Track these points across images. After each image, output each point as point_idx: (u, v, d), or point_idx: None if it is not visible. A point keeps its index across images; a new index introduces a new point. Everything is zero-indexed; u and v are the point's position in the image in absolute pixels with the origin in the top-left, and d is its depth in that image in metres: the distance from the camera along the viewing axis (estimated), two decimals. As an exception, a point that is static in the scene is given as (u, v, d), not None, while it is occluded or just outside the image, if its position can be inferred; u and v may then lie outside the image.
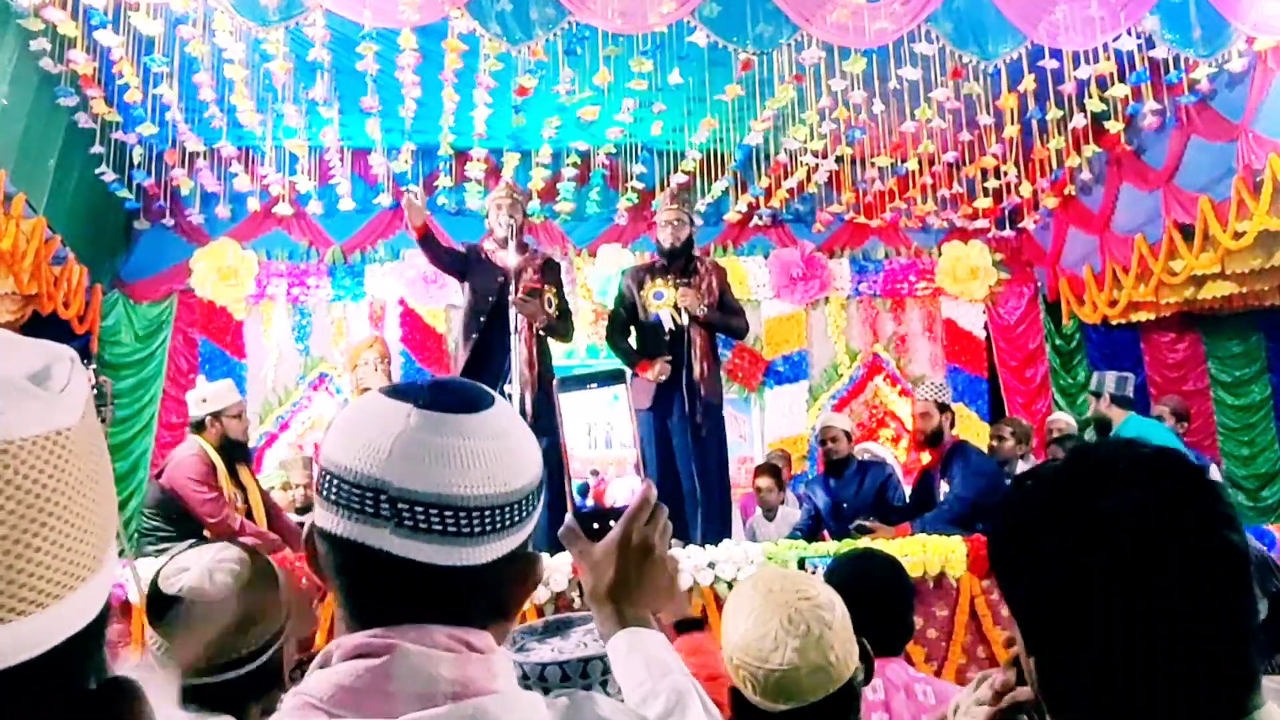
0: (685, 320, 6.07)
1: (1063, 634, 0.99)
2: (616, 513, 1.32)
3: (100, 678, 0.77)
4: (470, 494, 0.98)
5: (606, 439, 1.31)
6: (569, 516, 1.34)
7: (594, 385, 1.36)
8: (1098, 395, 6.70)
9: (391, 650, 0.96)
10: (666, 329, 6.08)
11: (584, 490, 1.33)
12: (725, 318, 6.27)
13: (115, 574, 0.81)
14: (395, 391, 1.04)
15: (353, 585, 1.02)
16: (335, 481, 0.99)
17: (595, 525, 1.33)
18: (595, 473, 1.34)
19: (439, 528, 0.97)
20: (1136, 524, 0.95)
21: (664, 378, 6.00)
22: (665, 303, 6.13)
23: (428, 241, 5.89)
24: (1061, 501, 1.01)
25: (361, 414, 1.03)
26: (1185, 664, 0.93)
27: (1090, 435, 7.83)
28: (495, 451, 1.01)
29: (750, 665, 1.82)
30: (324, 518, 1.01)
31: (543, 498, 1.09)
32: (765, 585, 1.92)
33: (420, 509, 0.96)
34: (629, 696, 1.27)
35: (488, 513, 0.99)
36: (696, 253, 6.43)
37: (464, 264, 6.00)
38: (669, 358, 6.05)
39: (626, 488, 1.32)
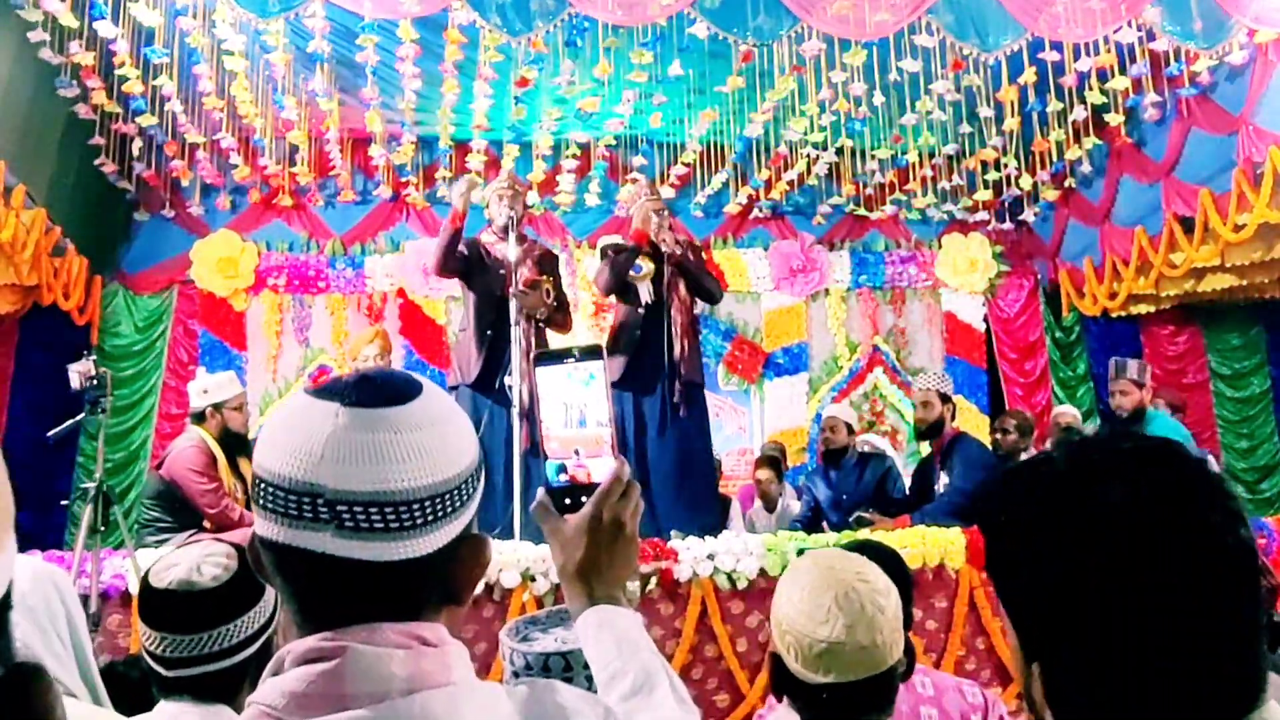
0: (665, 290, 6.11)
1: (1066, 634, 0.96)
2: (589, 489, 1.31)
3: (6, 664, 0.77)
4: (407, 487, 0.97)
5: (580, 418, 1.30)
6: (540, 491, 1.34)
7: (571, 359, 1.35)
8: (1141, 385, 6.61)
9: (343, 653, 0.95)
10: (644, 300, 6.10)
11: (562, 469, 1.33)
12: (701, 273, 6.30)
13: (12, 563, 0.81)
14: (322, 391, 1.02)
15: (299, 590, 1.01)
16: (270, 489, 0.98)
17: (567, 501, 1.32)
18: (578, 452, 1.33)
19: (380, 525, 0.96)
20: (1141, 518, 0.93)
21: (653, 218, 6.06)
22: (643, 275, 6.15)
23: (456, 237, 5.83)
24: (1062, 495, 0.98)
25: (290, 417, 1.01)
26: (1194, 661, 0.92)
27: (1094, 426, 7.82)
28: (428, 441, 1.00)
29: (798, 633, 1.84)
30: (263, 525, 1.00)
31: (482, 479, 1.09)
32: (826, 561, 1.94)
33: (359, 508, 0.96)
34: (597, 675, 1.27)
35: (427, 503, 0.99)
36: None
37: (467, 264, 5.99)
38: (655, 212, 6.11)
39: (603, 467, 1.32)
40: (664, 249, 6.09)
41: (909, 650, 1.94)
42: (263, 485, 0.99)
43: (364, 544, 0.96)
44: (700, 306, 6.62)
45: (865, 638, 1.82)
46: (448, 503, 1.01)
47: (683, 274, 6.19)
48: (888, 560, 2.86)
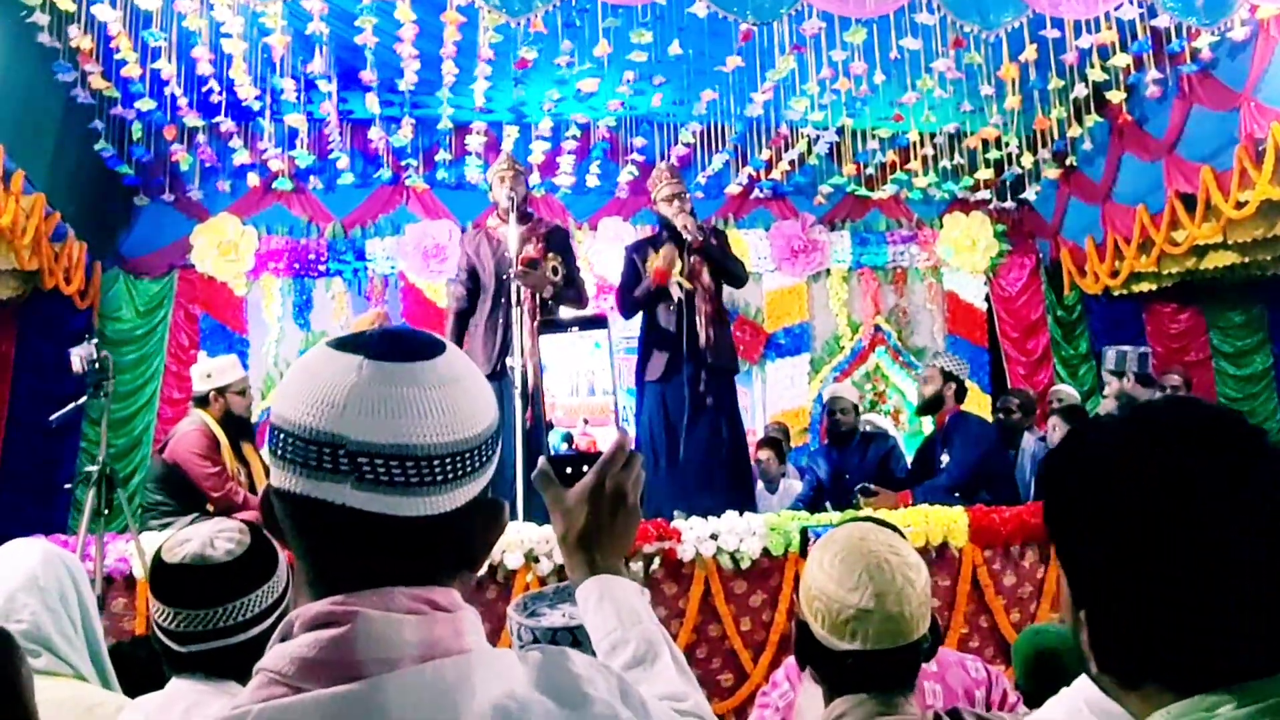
0: (691, 285, 6.07)
1: (1113, 584, 1.01)
2: (591, 458, 1.31)
3: None
4: (430, 442, 0.97)
5: (590, 387, 1.30)
6: (542, 460, 1.33)
7: (575, 329, 1.35)
8: (1119, 374, 6.66)
9: (353, 618, 0.94)
10: (675, 298, 6.08)
11: (569, 438, 1.32)
12: (725, 258, 6.25)
13: None
14: (344, 343, 1.02)
15: (315, 545, 1.00)
16: (290, 439, 0.97)
17: (569, 470, 1.32)
18: (586, 420, 1.33)
19: (400, 479, 0.96)
20: (1200, 478, 0.97)
21: (675, 257, 6.02)
22: (672, 272, 6.12)
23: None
24: (1127, 451, 1.02)
25: (312, 368, 1.00)
26: (1233, 617, 0.96)
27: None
28: (451, 397, 1.00)
29: (826, 600, 1.87)
30: (280, 477, 0.99)
31: (500, 443, 1.08)
32: (860, 534, 1.97)
33: (380, 461, 0.95)
34: (598, 644, 1.27)
35: (449, 460, 0.98)
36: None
37: (473, 277, 6.13)
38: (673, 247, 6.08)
39: (609, 436, 1.32)
40: (686, 236, 6.04)
41: (935, 629, 1.95)
42: (282, 435, 0.98)
43: (383, 497, 0.96)
44: (726, 293, 6.59)
45: (894, 608, 1.84)
46: (468, 461, 1.00)
47: (706, 260, 6.15)
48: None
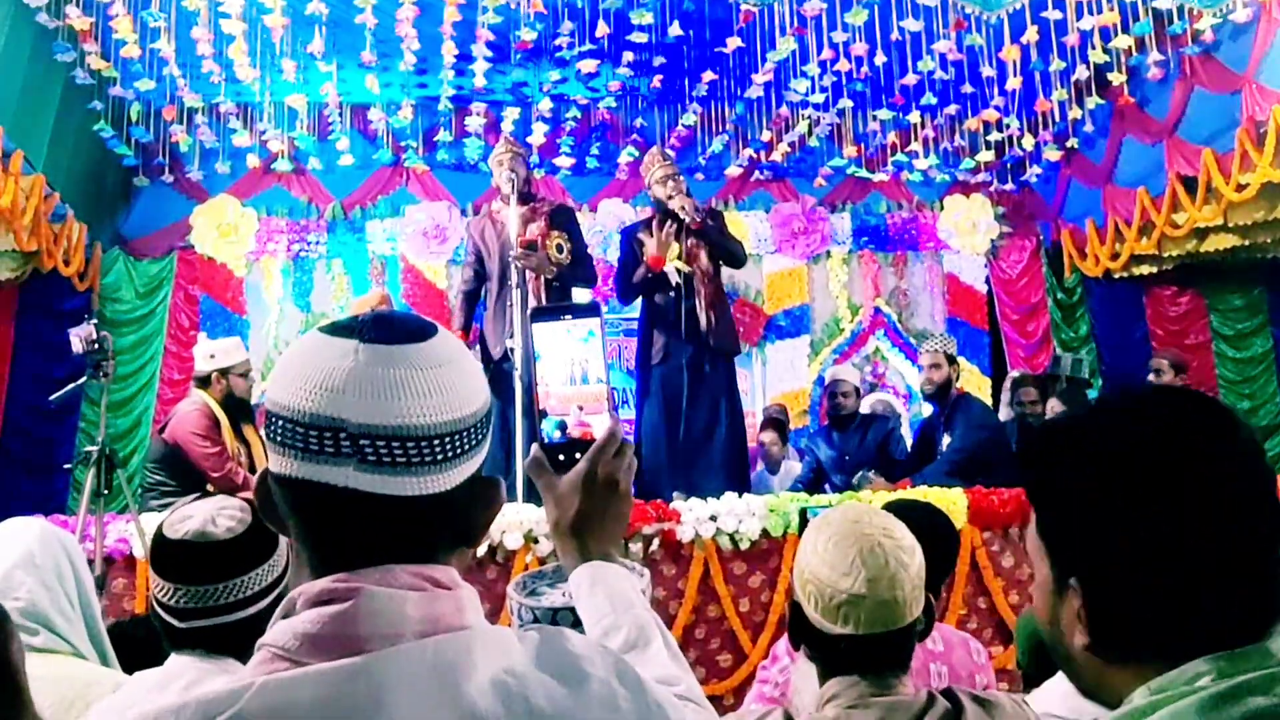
0: (689, 268, 6.06)
1: (1115, 551, 1.02)
2: (584, 446, 1.31)
3: None
4: (429, 422, 0.98)
5: (583, 375, 1.31)
6: (535, 448, 1.34)
7: (568, 316, 1.35)
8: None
9: (356, 594, 0.96)
10: (673, 283, 6.07)
11: (563, 426, 1.33)
12: (724, 238, 6.23)
13: None
14: (337, 329, 1.03)
15: (316, 528, 1.02)
16: (289, 424, 0.98)
17: (561, 457, 1.32)
18: (580, 408, 1.33)
19: (402, 459, 0.97)
20: (1161, 446, 1.01)
21: (671, 241, 6.03)
22: (669, 257, 6.11)
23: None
24: (1092, 431, 1.06)
25: (307, 354, 1.01)
26: (1221, 584, 0.98)
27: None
28: (446, 378, 1.01)
29: (819, 583, 1.86)
30: (279, 462, 1.00)
31: (493, 421, 1.09)
32: (854, 516, 1.96)
33: (382, 442, 0.96)
34: (590, 630, 1.28)
35: (448, 439, 0.99)
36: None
37: (480, 261, 6.11)
38: (670, 230, 6.08)
39: (603, 424, 1.33)
40: (683, 217, 6.01)
41: (929, 610, 1.96)
42: (280, 421, 0.99)
43: (385, 478, 0.97)
44: (726, 275, 6.56)
45: (886, 593, 1.83)
46: (465, 440, 1.02)
47: (704, 242, 6.13)
48: (935, 517, 2.93)
